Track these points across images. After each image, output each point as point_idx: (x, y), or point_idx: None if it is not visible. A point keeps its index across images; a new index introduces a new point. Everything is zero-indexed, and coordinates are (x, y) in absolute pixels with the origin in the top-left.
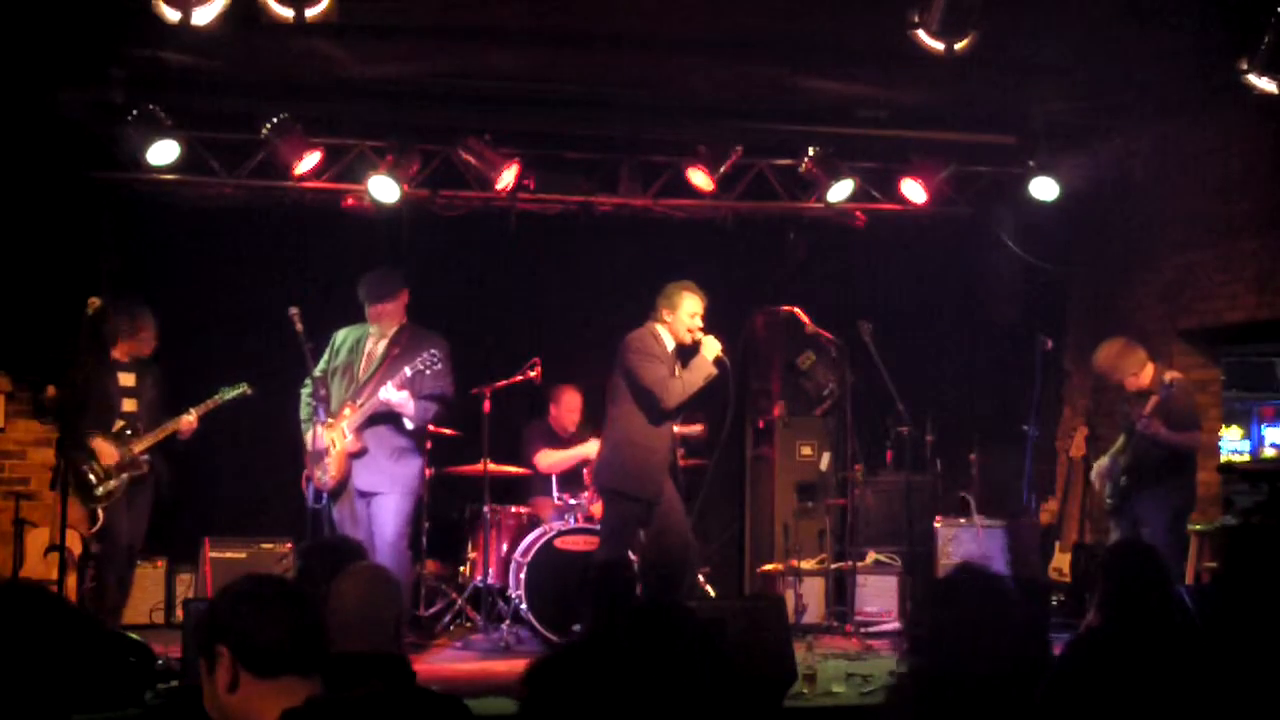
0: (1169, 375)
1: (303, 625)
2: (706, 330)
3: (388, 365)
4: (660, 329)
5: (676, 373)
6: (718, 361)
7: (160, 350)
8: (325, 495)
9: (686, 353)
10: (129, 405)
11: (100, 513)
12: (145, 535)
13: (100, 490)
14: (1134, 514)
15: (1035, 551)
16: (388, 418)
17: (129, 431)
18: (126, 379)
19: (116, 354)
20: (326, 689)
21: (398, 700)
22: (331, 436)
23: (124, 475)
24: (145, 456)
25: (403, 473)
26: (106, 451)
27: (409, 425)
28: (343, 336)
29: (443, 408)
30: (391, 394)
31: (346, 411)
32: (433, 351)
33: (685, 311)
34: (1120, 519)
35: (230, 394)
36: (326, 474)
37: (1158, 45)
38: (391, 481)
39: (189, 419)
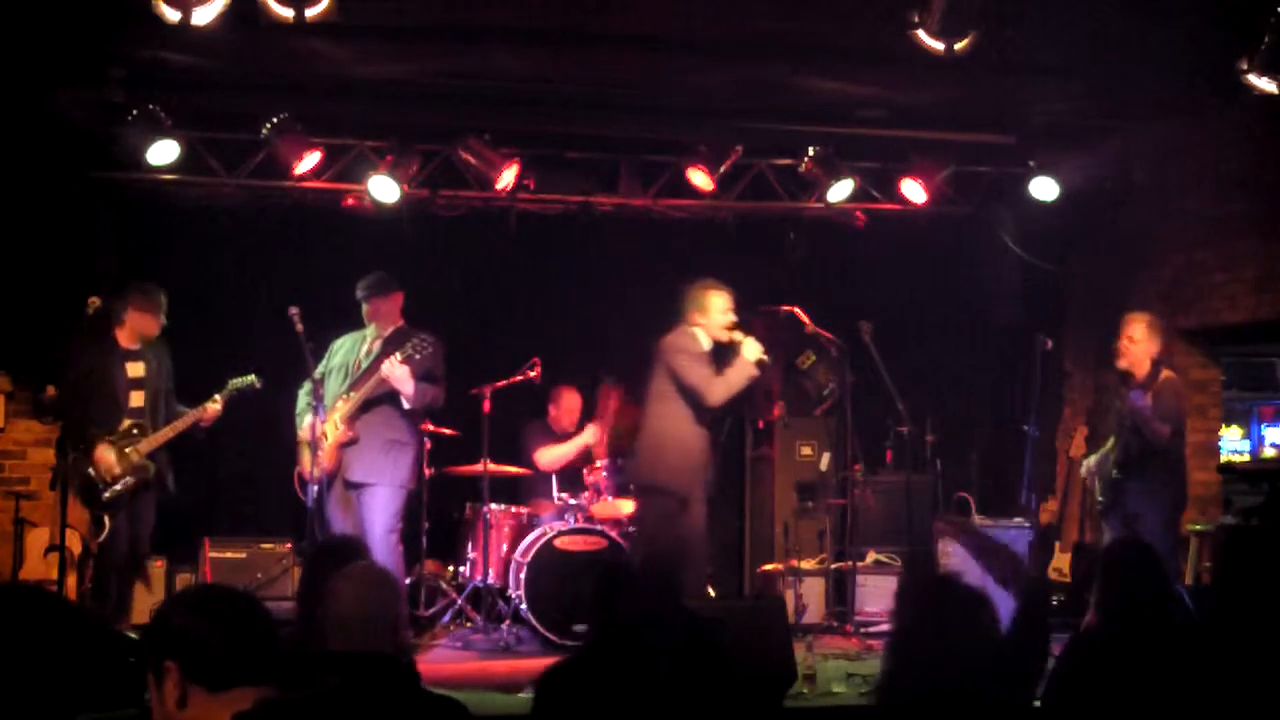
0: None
1: (254, 635)
2: (738, 324)
3: (381, 360)
4: (696, 331)
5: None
6: (759, 363)
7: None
8: (318, 489)
9: (720, 351)
10: (137, 400)
11: (107, 519)
12: (150, 538)
13: (106, 495)
14: (1126, 512)
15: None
16: (380, 408)
17: (135, 431)
18: (135, 369)
19: (124, 341)
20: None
21: (358, 698)
22: (325, 428)
23: (129, 480)
24: (150, 460)
25: (392, 466)
26: (107, 462)
27: (406, 405)
28: (339, 342)
29: (437, 391)
30: (394, 368)
31: (340, 404)
32: (423, 336)
33: (716, 310)
34: (1112, 519)
35: (240, 384)
36: (318, 465)
37: (1158, 45)
38: (380, 473)
39: (215, 407)
